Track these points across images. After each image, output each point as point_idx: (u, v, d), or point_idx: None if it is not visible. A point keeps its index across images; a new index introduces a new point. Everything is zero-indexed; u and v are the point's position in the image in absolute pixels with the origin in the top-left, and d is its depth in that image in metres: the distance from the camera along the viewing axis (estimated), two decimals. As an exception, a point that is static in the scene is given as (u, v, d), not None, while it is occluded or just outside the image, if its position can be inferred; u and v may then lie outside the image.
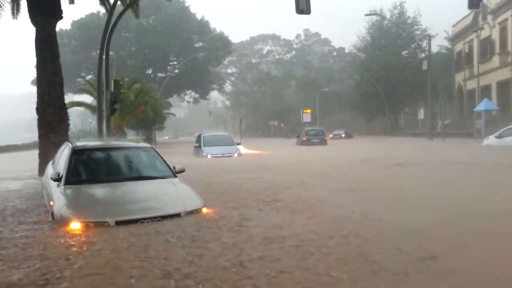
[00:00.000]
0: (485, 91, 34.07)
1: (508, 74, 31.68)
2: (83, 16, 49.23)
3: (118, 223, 4.97)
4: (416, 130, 42.83)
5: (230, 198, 7.17)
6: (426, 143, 27.59)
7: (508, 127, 20.62)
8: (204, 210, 5.72)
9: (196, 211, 5.57)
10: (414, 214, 5.67)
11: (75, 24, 47.11)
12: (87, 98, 39.18)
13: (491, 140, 20.53)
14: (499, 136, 20.02)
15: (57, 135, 11.03)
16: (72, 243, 4.38)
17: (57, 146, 10.47)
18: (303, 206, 6.47)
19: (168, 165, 6.80)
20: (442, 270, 3.58)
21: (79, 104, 24.51)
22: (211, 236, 4.64)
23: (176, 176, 6.61)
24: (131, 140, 17.46)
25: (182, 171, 6.87)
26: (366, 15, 42.09)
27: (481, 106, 27.63)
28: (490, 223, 5.22)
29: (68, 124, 11.87)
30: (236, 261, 3.84)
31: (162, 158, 6.92)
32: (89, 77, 41.33)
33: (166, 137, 71.80)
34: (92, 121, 71.87)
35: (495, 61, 33.75)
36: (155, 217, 5.17)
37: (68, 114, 12.01)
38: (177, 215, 5.34)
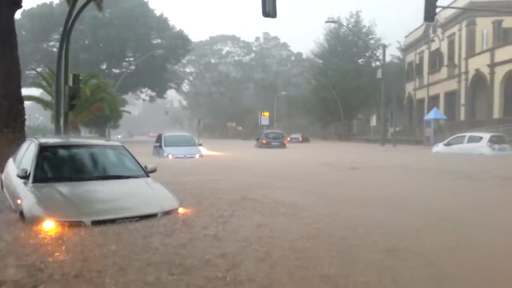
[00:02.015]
0: (434, 100, 36.14)
1: (455, 86, 33.82)
2: (34, 5, 46.78)
3: (94, 223, 4.82)
4: (368, 136, 44.53)
5: (202, 199, 7.14)
6: (379, 149, 28.78)
7: (456, 135, 22.05)
8: (181, 210, 5.67)
9: (173, 211, 5.51)
10: (377, 214, 5.98)
11: (25, 13, 44.62)
12: (35, 92, 37.25)
13: (440, 147, 21.82)
14: (448, 144, 21.35)
15: (13, 131, 10.45)
16: (49, 243, 4.20)
17: (12, 142, 9.99)
18: (276, 207, 6.58)
19: (140, 164, 6.67)
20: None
21: (30, 98, 23.22)
22: (193, 236, 4.63)
23: (148, 176, 6.50)
24: (91, 138, 16.86)
25: (154, 170, 6.76)
26: (326, 22, 43.35)
27: (430, 115, 29.27)
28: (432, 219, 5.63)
29: (25, 119, 11.28)
30: (220, 258, 3.87)
31: (133, 157, 6.78)
32: (39, 69, 39.34)
33: (119, 136, 69.68)
34: (39, 116, 68.35)
35: (444, 72, 35.89)
36: (132, 217, 5.06)
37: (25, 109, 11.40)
38: (154, 215, 5.26)
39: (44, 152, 6.05)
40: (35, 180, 5.58)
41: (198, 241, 4.46)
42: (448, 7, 27.83)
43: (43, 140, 6.51)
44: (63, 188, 5.53)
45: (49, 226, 4.66)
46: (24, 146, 7.02)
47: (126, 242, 4.30)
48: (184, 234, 4.69)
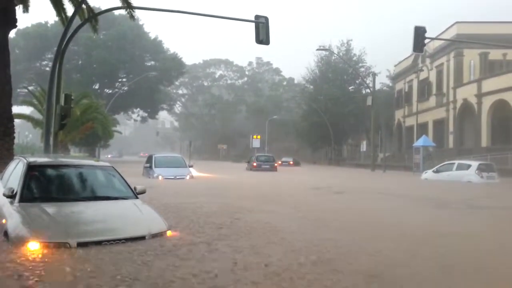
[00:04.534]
0: (422, 128, 36.65)
1: (443, 114, 34.42)
2: (29, 25, 47.04)
3: (80, 244, 4.73)
4: (358, 161, 44.80)
5: (191, 222, 7.07)
6: (370, 174, 28.92)
7: (445, 163, 22.30)
8: (169, 233, 5.61)
9: (161, 234, 5.44)
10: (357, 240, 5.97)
11: (19, 32, 44.79)
12: (26, 110, 37.01)
13: (429, 174, 22.01)
14: (437, 171, 21.56)
15: (1, 149, 10.34)
16: (32, 264, 4.11)
17: (1, 160, 9.87)
18: (265, 231, 6.54)
19: (129, 186, 6.61)
20: None
21: (21, 117, 23.08)
22: (180, 260, 4.56)
23: (137, 197, 6.44)
24: (78, 157, 16.72)
25: (143, 192, 6.69)
26: (317, 49, 44.15)
27: (419, 142, 29.64)
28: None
29: (14, 137, 11.18)
30: (208, 283, 3.83)
31: (123, 178, 6.72)
32: (30, 88, 39.27)
33: (109, 156, 69.30)
34: (29, 134, 67.73)
35: (432, 101, 36.58)
36: (119, 239, 4.99)
37: (15, 127, 11.33)
38: (142, 238, 5.19)
39: (32, 171, 5.97)
40: (22, 200, 5.49)
41: (185, 264, 4.40)
42: (436, 38, 28.63)
43: (32, 159, 6.44)
44: (50, 208, 5.45)
45: (34, 247, 4.57)
46: (12, 164, 6.94)
47: (111, 264, 4.22)
48: (171, 257, 4.62)
